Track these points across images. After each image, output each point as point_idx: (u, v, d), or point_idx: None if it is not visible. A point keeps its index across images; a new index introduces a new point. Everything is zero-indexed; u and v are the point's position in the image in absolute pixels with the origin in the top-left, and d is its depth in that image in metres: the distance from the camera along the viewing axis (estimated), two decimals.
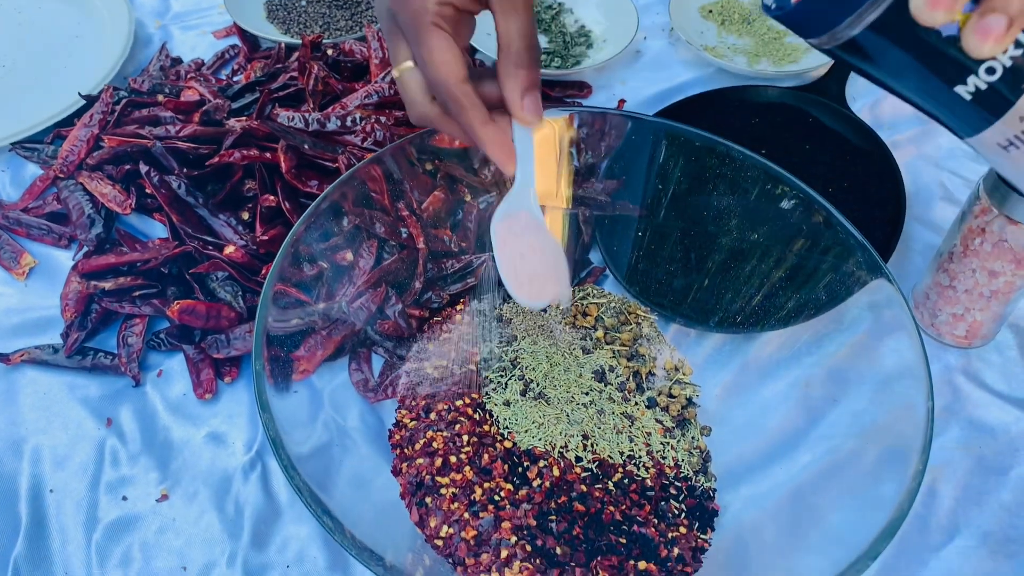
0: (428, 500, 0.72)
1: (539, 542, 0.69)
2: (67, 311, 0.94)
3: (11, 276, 1.01)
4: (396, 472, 0.77)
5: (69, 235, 1.03)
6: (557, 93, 1.22)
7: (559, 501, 0.72)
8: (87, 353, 0.93)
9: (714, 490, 0.81)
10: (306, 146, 0.99)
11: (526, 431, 0.78)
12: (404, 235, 0.94)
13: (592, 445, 0.78)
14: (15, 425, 0.89)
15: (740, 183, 0.88)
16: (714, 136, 0.88)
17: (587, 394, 0.82)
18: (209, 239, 0.96)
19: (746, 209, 0.90)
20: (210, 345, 0.92)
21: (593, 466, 0.76)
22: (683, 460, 0.80)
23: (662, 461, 0.79)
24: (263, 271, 0.93)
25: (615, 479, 0.76)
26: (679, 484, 0.79)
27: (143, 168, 0.98)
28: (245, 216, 0.99)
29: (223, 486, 0.85)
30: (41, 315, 0.97)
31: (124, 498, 0.84)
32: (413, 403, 0.81)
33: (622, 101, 1.22)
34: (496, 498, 0.72)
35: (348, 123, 1.03)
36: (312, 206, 0.84)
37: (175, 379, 0.93)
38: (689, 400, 0.85)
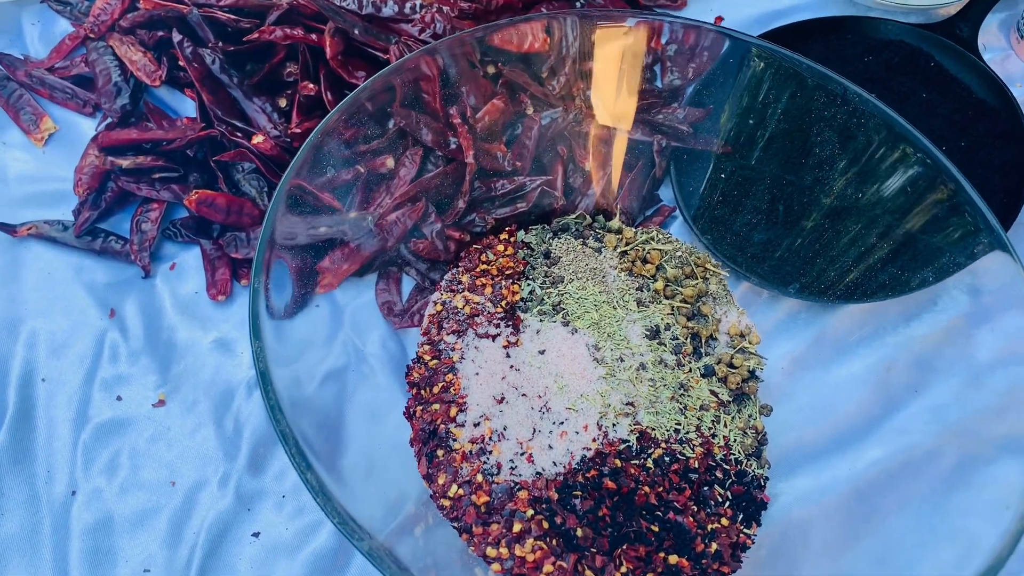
0: (439, 453, 0.64)
1: (558, 519, 0.60)
2: (80, 186, 0.86)
3: (29, 140, 0.93)
4: (409, 415, 0.69)
5: (94, 102, 0.94)
6: (647, 1, 1.08)
7: (587, 475, 0.63)
8: (98, 235, 0.85)
9: (766, 478, 0.71)
10: (356, 31, 0.88)
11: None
12: (452, 146, 0.83)
13: (634, 413, 0.68)
14: (14, 303, 0.82)
15: (852, 132, 0.75)
16: (828, 71, 0.74)
17: (636, 354, 0.71)
18: (239, 125, 0.86)
19: (854, 163, 0.77)
20: (228, 243, 0.83)
21: (633, 438, 0.66)
22: (735, 440, 0.70)
23: (711, 440, 0.69)
24: None
25: (655, 455, 0.66)
26: (727, 467, 0.69)
27: (176, 37, 0.88)
28: (282, 103, 0.89)
29: (224, 400, 0.77)
30: (55, 187, 0.89)
31: (119, 398, 0.77)
32: (438, 337, 0.72)
33: (719, 18, 1.08)
34: (515, 462, 0.63)
35: (406, 9, 0.92)
36: (351, 96, 0.74)
37: (188, 275, 0.85)
38: (751, 373, 0.74)
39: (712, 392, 0.72)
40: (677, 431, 0.68)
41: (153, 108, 0.92)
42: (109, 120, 0.91)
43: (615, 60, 0.87)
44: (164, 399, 0.77)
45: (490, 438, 0.64)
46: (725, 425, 0.71)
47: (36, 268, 0.84)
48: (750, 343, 0.75)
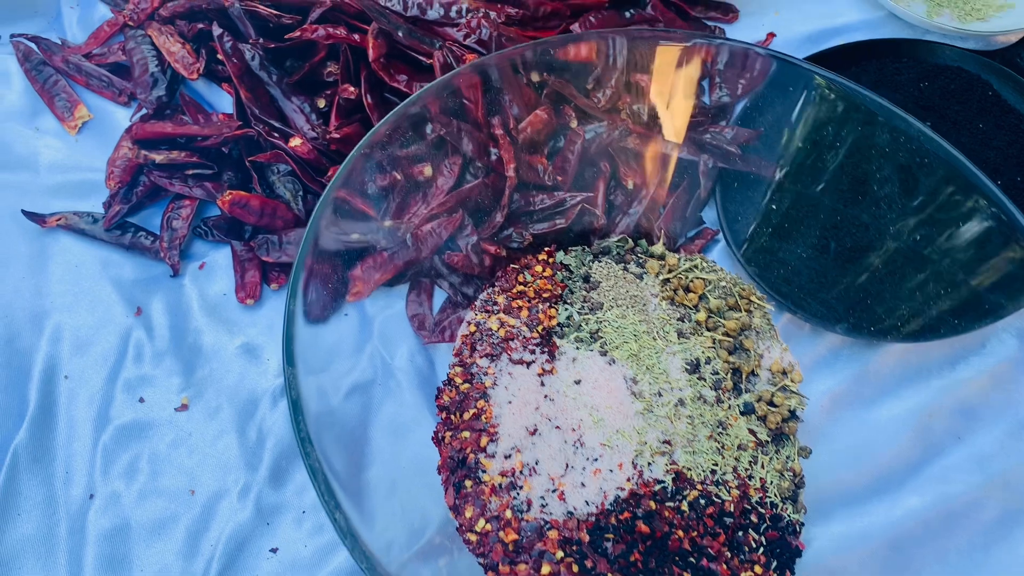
0: (468, 484, 0.62)
1: (588, 563, 0.58)
2: (112, 179, 0.84)
3: (63, 128, 0.91)
4: (438, 440, 0.67)
5: (130, 91, 0.93)
6: (697, 13, 1.05)
7: (621, 517, 0.60)
8: (127, 229, 0.84)
9: (801, 524, 0.68)
10: (400, 33, 0.86)
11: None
12: (493, 157, 0.81)
13: (671, 452, 0.65)
14: (40, 296, 0.81)
15: (914, 172, 0.72)
16: (894, 107, 0.71)
17: (675, 388, 0.69)
18: (276, 125, 0.84)
19: (912, 203, 0.74)
20: (260, 245, 0.81)
21: (668, 479, 0.64)
22: (772, 483, 0.68)
23: (748, 482, 0.66)
24: (330, 172, 0.82)
25: (690, 498, 0.63)
26: (763, 511, 0.66)
27: (216, 31, 0.86)
28: (321, 104, 0.86)
29: (248, 408, 0.76)
30: (86, 177, 0.88)
31: (141, 400, 0.76)
32: (470, 360, 0.69)
33: (771, 35, 1.04)
34: (546, 499, 0.60)
35: (452, 13, 0.89)
36: (396, 111, 0.72)
37: (217, 275, 0.83)
38: (792, 412, 0.71)
39: (751, 431, 0.69)
40: (714, 472, 0.66)
41: (189, 100, 0.91)
42: (144, 111, 0.89)
43: (664, 75, 0.85)
44: (187, 403, 0.76)
45: (521, 471, 0.62)
46: (762, 466, 0.68)
47: (63, 260, 0.83)
48: (792, 381, 0.73)
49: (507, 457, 0.62)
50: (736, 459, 0.67)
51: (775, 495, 0.67)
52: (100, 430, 0.74)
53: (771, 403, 0.71)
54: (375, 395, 0.75)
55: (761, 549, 0.65)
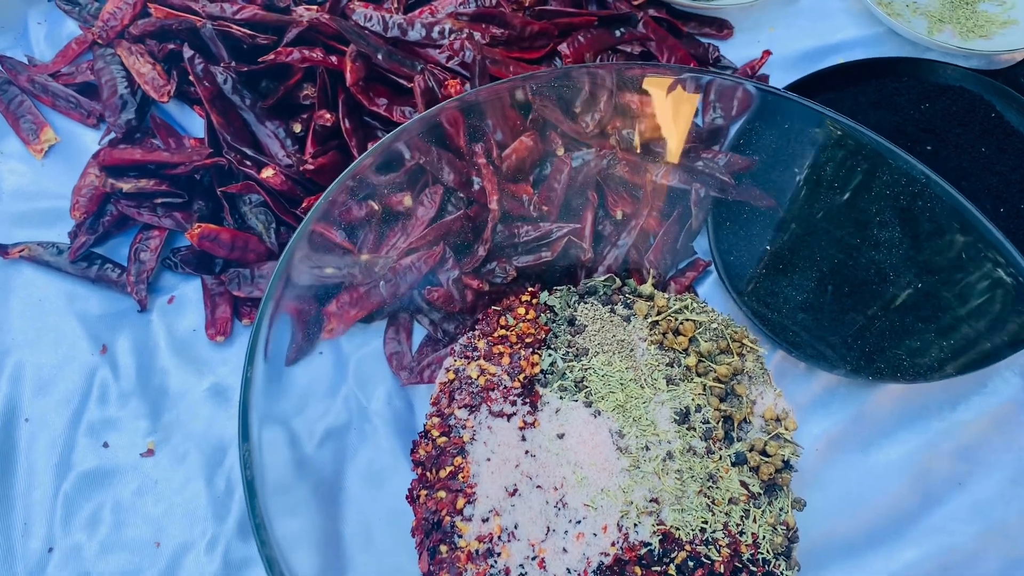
0: (443, 549, 0.58)
1: None
2: (77, 209, 0.81)
3: (28, 151, 0.87)
4: (412, 499, 0.63)
5: (99, 112, 0.89)
6: (690, 29, 1.01)
7: None
8: (94, 261, 0.80)
9: None
10: (380, 55, 0.82)
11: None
12: (476, 187, 0.78)
13: (658, 511, 0.62)
14: (0, 332, 0.77)
15: (916, 214, 0.69)
16: (895, 147, 0.68)
17: (663, 441, 0.65)
18: (249, 153, 0.80)
19: (917, 249, 0.71)
20: (231, 279, 0.78)
21: (655, 540, 0.61)
22: (764, 538, 0.64)
23: (739, 538, 0.63)
24: (305, 203, 0.78)
25: (678, 560, 0.60)
26: (755, 569, 0.63)
27: (187, 53, 0.82)
28: (297, 128, 0.83)
29: (217, 455, 0.72)
30: (52, 204, 0.84)
31: (105, 444, 0.72)
32: (448, 410, 0.66)
33: (767, 53, 1.01)
34: (526, 568, 0.57)
35: (434, 34, 0.85)
36: (382, 143, 0.68)
37: (187, 310, 0.79)
38: (786, 463, 0.68)
39: (742, 483, 0.66)
40: (703, 530, 0.63)
41: (160, 123, 0.87)
42: (113, 135, 0.85)
43: (654, 104, 0.81)
44: (153, 448, 0.72)
45: (499, 536, 0.58)
46: (754, 520, 0.65)
47: (26, 294, 0.79)
48: (786, 429, 0.70)
49: (484, 520, 0.59)
50: (727, 514, 0.64)
51: (767, 551, 0.64)
52: (61, 477, 0.71)
53: (764, 452, 0.68)
54: (350, 441, 0.71)
55: None
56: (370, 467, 0.70)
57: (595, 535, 0.59)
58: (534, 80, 0.75)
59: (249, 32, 0.84)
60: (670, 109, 0.81)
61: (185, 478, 0.71)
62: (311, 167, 0.77)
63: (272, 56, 0.81)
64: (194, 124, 0.89)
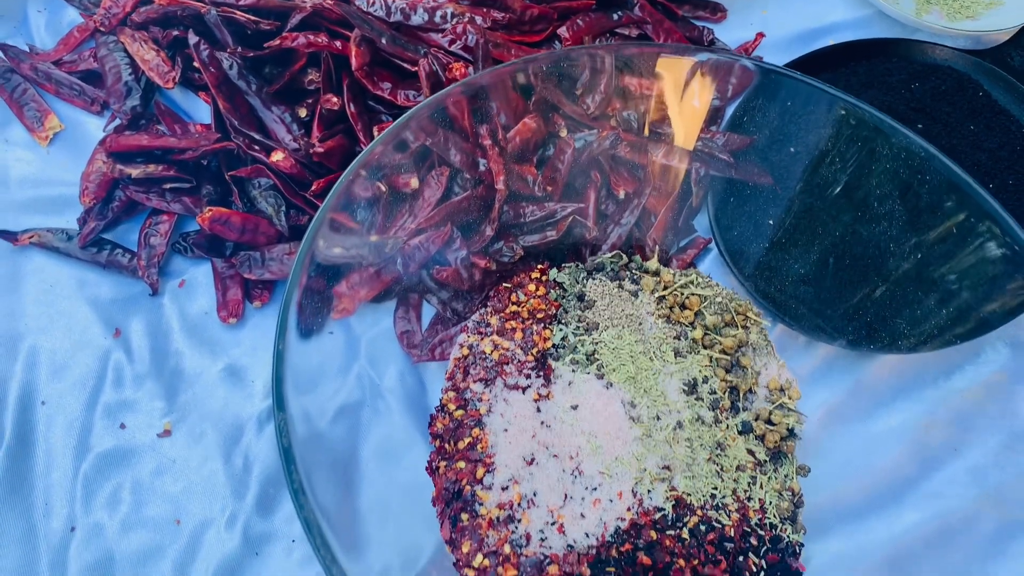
0: (464, 517, 0.60)
1: None
2: (86, 195, 0.81)
3: (33, 139, 0.88)
4: (431, 470, 0.65)
5: (103, 99, 0.89)
6: (685, 12, 1.03)
7: (622, 549, 0.59)
8: (104, 246, 0.81)
9: (801, 545, 0.68)
10: (383, 40, 0.83)
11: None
12: (482, 168, 0.79)
13: (670, 478, 0.64)
14: (13, 318, 0.78)
15: (915, 188, 0.71)
16: (894, 121, 0.70)
17: (673, 411, 0.67)
18: (257, 137, 0.81)
19: (915, 221, 0.73)
20: (242, 262, 0.79)
21: (668, 506, 0.63)
22: (771, 504, 0.67)
23: (747, 504, 0.65)
24: (314, 186, 0.79)
25: (691, 524, 0.62)
26: (762, 533, 0.65)
27: (192, 39, 0.83)
28: (302, 113, 0.84)
29: (234, 433, 0.73)
30: (60, 192, 0.84)
31: (122, 426, 0.73)
32: (464, 384, 0.68)
33: (760, 35, 1.03)
34: (545, 532, 0.59)
35: (437, 18, 0.87)
36: (388, 132, 0.69)
37: (198, 293, 0.80)
38: (790, 431, 0.70)
39: (749, 451, 0.68)
40: (713, 496, 0.65)
41: (165, 110, 0.88)
42: (118, 121, 0.86)
43: (654, 84, 0.83)
44: (170, 429, 0.73)
45: (519, 504, 0.60)
46: (761, 487, 0.67)
47: (38, 280, 0.80)
48: (790, 398, 0.72)
49: (504, 489, 0.61)
50: (735, 481, 0.66)
51: (774, 516, 0.66)
52: (80, 458, 0.72)
53: (769, 421, 0.70)
54: (363, 418, 0.73)
55: (762, 573, 0.64)
56: (385, 443, 0.72)
57: (611, 501, 0.61)
58: (537, 62, 0.77)
59: (253, 18, 0.85)
60: (676, 91, 0.82)
61: (203, 457, 0.72)
62: (320, 150, 0.78)
63: (278, 41, 0.82)
64: (198, 111, 0.89)
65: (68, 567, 0.67)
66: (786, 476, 0.69)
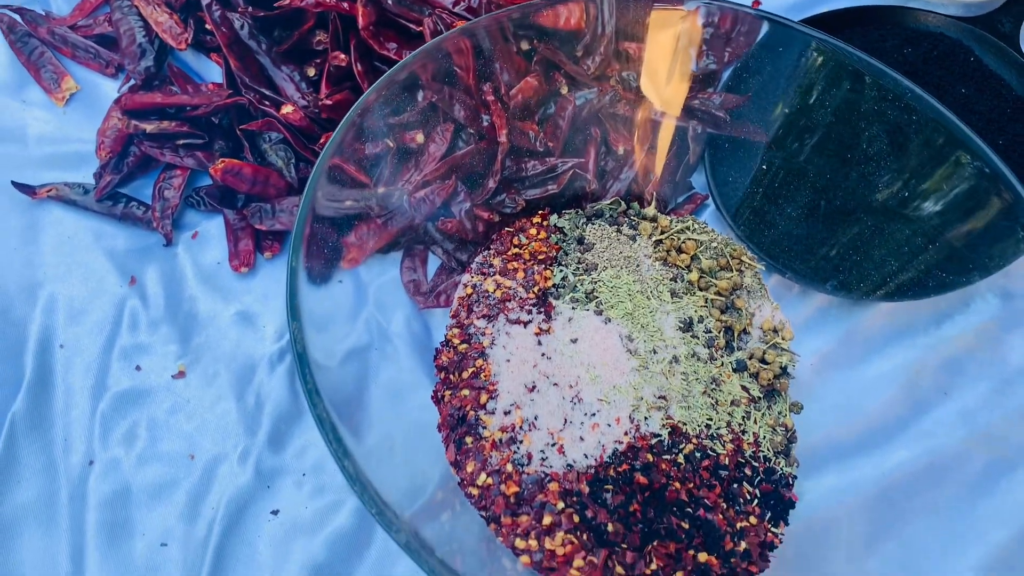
0: (468, 440, 0.63)
1: (589, 513, 0.59)
2: (103, 149, 0.84)
3: (50, 100, 0.91)
4: (437, 399, 0.67)
5: (117, 62, 0.92)
6: None
7: (619, 469, 0.62)
8: (119, 199, 0.83)
9: (794, 477, 0.70)
10: (390, 1, 0.86)
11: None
12: (485, 123, 0.82)
13: (666, 407, 0.67)
14: (32, 267, 0.80)
15: (904, 131, 0.73)
16: (882, 64, 0.72)
17: (669, 346, 0.70)
18: (267, 93, 0.84)
19: (904, 163, 0.75)
20: (253, 213, 0.82)
21: (664, 432, 0.65)
22: (765, 438, 0.69)
23: (742, 436, 0.68)
24: (322, 139, 0.82)
25: (686, 451, 0.65)
26: (756, 465, 0.68)
27: (204, 0, 0.86)
28: (311, 72, 0.86)
29: (246, 373, 0.76)
30: (76, 149, 0.87)
31: (138, 368, 0.76)
32: (467, 321, 0.70)
33: (756, 2, 1.05)
34: (546, 453, 0.61)
35: None
36: (387, 76, 0.72)
37: (211, 244, 0.83)
38: (783, 369, 0.73)
39: (743, 388, 0.70)
40: (708, 426, 0.67)
41: (178, 71, 0.90)
42: (132, 82, 0.89)
43: (653, 41, 0.85)
44: (184, 370, 0.76)
45: (521, 427, 0.63)
46: (755, 422, 0.69)
47: (55, 232, 0.83)
48: (783, 339, 0.74)
49: (507, 413, 0.63)
50: (730, 414, 0.68)
51: (768, 449, 0.69)
52: (97, 398, 0.74)
53: (763, 360, 0.73)
54: (372, 360, 0.75)
55: (755, 501, 0.66)
56: (392, 383, 0.74)
57: (609, 425, 0.64)
58: (531, 9, 0.79)
59: None
60: (666, 47, 0.85)
61: (216, 397, 0.75)
62: (329, 103, 0.81)
63: (288, 1, 0.85)
64: (210, 72, 0.92)
65: (87, 498, 0.70)
66: (780, 413, 0.71)
